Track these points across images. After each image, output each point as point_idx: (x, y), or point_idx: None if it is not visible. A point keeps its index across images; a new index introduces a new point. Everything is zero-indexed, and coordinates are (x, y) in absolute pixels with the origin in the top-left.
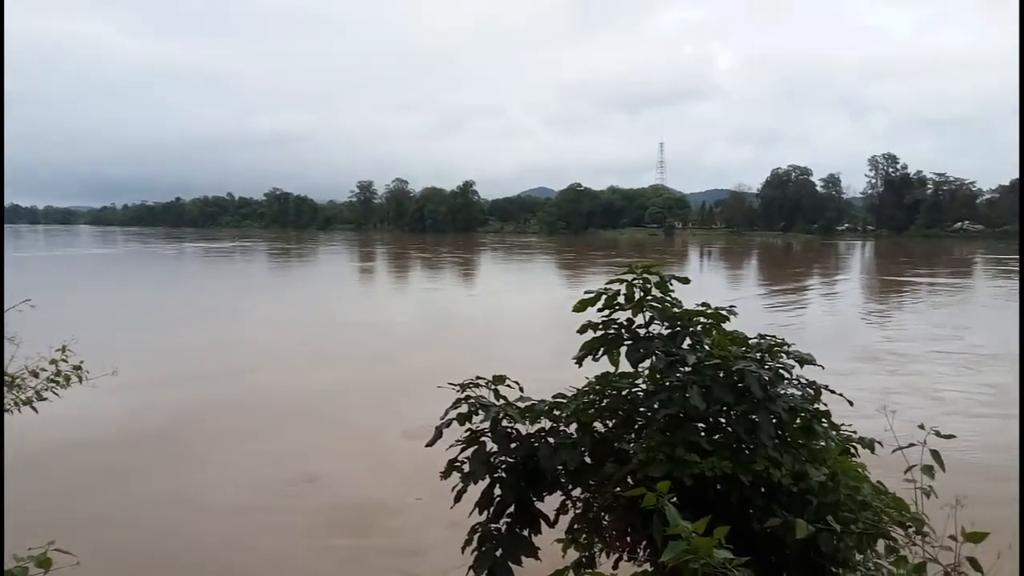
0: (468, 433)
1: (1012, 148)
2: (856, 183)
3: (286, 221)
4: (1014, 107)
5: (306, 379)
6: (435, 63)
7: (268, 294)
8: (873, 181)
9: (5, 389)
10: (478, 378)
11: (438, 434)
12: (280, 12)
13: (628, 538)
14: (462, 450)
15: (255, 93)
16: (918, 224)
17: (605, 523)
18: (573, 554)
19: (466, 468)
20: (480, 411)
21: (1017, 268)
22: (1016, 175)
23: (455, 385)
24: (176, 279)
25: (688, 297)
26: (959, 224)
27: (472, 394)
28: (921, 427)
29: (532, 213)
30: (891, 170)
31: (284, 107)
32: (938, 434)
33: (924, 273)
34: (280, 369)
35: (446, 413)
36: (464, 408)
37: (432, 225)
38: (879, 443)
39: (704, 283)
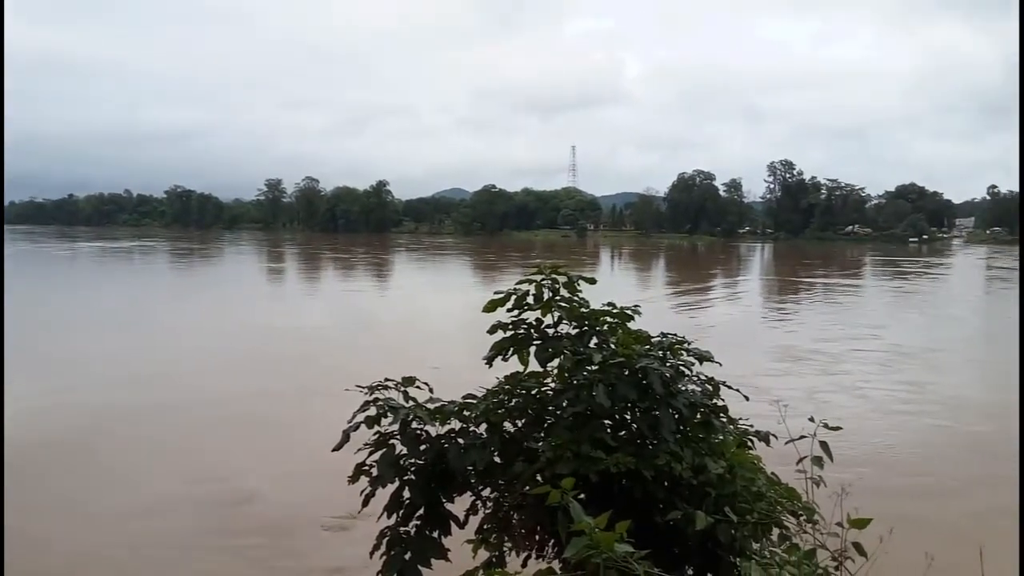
0: (377, 436)
1: (895, 157)
2: (756, 188)
3: (189, 220)
4: (897, 120)
5: (215, 385)
6: (345, 60)
7: (175, 298)
8: (772, 186)
9: None
10: (386, 380)
11: (345, 438)
12: (180, 1)
13: (537, 536)
14: (370, 453)
15: (153, 85)
16: (813, 227)
17: (515, 522)
18: (484, 554)
19: (375, 472)
20: (389, 413)
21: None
22: (898, 183)
23: (363, 388)
24: (71, 282)
25: (603, 297)
26: (850, 227)
27: (381, 396)
28: (811, 420)
29: (447, 214)
30: (788, 176)
31: (186, 101)
32: (826, 426)
33: (825, 274)
34: (190, 375)
35: (353, 416)
36: (372, 411)
37: (344, 225)
38: (774, 436)
39: (616, 284)
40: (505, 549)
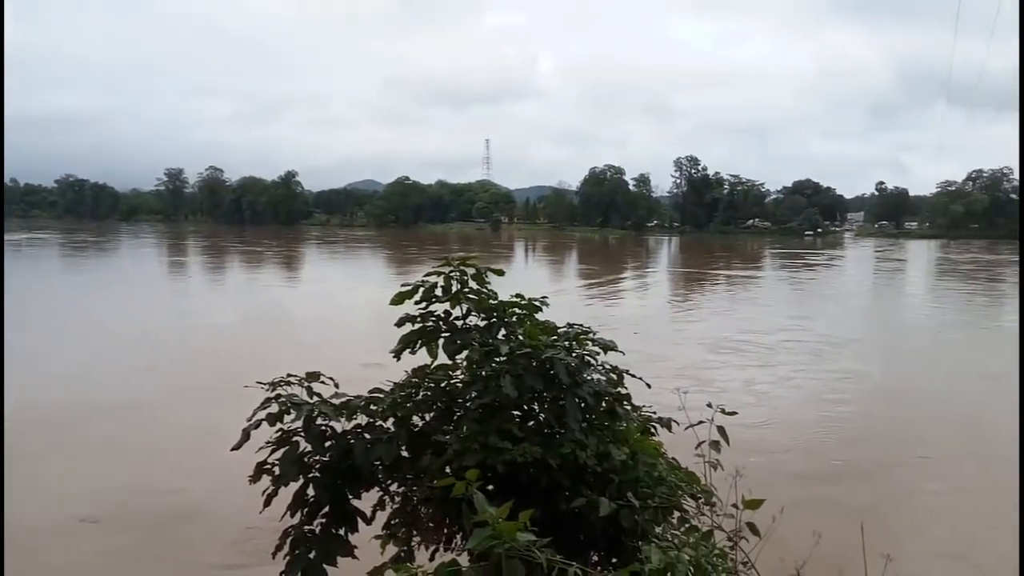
0: (279, 434)
1: (793, 154)
2: (664, 183)
3: (83, 211)
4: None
5: (124, 387)
6: (253, 47)
7: (75, 296)
8: (678, 181)
9: None
10: (289, 376)
11: (245, 436)
12: None
13: (445, 529)
14: (272, 451)
15: (40, 68)
16: (717, 221)
17: (423, 516)
18: (392, 550)
19: (277, 471)
20: (292, 410)
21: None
22: (794, 179)
23: (264, 384)
24: None
25: (521, 289)
26: (751, 221)
27: (283, 393)
28: (709, 405)
29: (359, 206)
30: (693, 171)
31: (78, 84)
32: (723, 411)
33: (737, 266)
34: (89, 377)
35: (254, 414)
36: (274, 408)
37: (251, 217)
38: (676, 422)
39: (533, 277)
40: (414, 544)
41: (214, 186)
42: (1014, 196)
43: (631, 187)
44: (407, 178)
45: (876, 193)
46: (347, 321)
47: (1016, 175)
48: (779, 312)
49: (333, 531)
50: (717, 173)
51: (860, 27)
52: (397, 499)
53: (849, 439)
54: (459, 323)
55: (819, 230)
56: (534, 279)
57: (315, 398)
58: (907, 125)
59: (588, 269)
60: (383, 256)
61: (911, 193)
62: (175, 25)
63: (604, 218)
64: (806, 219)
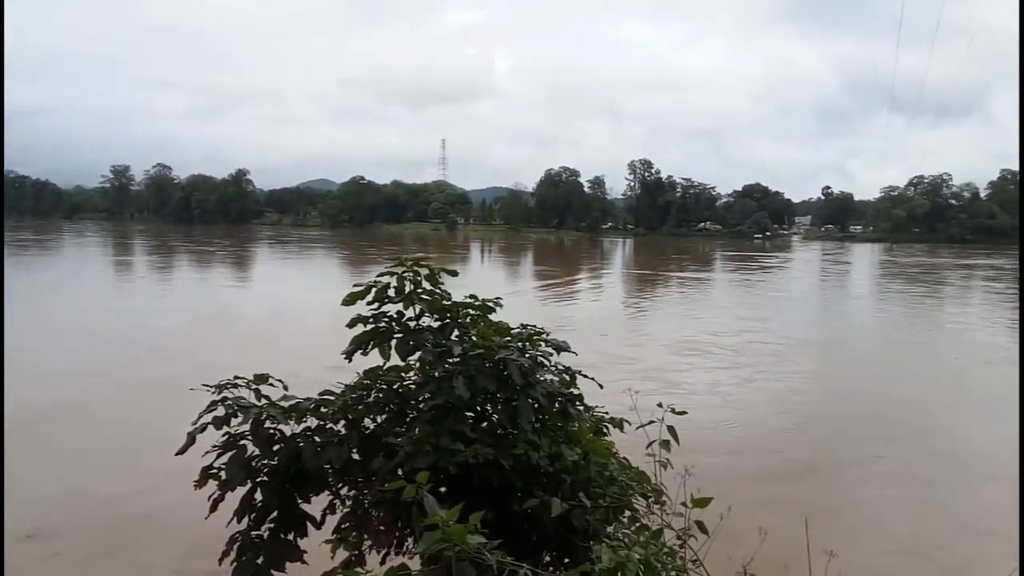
0: (226, 437)
1: (743, 159)
2: (618, 185)
3: (23, 208)
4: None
5: (62, 388)
6: (205, 42)
7: (19, 294)
8: (632, 184)
9: None
10: (236, 378)
11: (190, 440)
12: None
13: (396, 532)
14: (219, 455)
15: None
16: (670, 224)
17: (374, 519)
18: (343, 554)
19: (223, 475)
20: (239, 413)
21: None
22: (744, 183)
23: (210, 387)
24: None
25: (476, 291)
26: (702, 224)
27: (230, 395)
28: (660, 405)
29: (313, 205)
30: (647, 174)
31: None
32: (674, 411)
33: (693, 268)
34: (32, 377)
35: (199, 417)
36: (220, 411)
37: (201, 216)
38: (628, 422)
39: (487, 278)
40: (365, 547)
41: (162, 184)
42: (953, 201)
43: (586, 189)
44: (362, 178)
45: (823, 197)
46: (303, 323)
47: (954, 181)
48: (737, 314)
49: (282, 536)
50: (670, 176)
51: (809, 36)
52: (348, 502)
53: (803, 439)
54: (412, 324)
55: (768, 233)
56: (491, 280)
57: (263, 401)
58: (853, 131)
59: (545, 270)
60: (338, 256)
61: (856, 198)
62: (125, 17)
63: (560, 220)
64: (755, 222)
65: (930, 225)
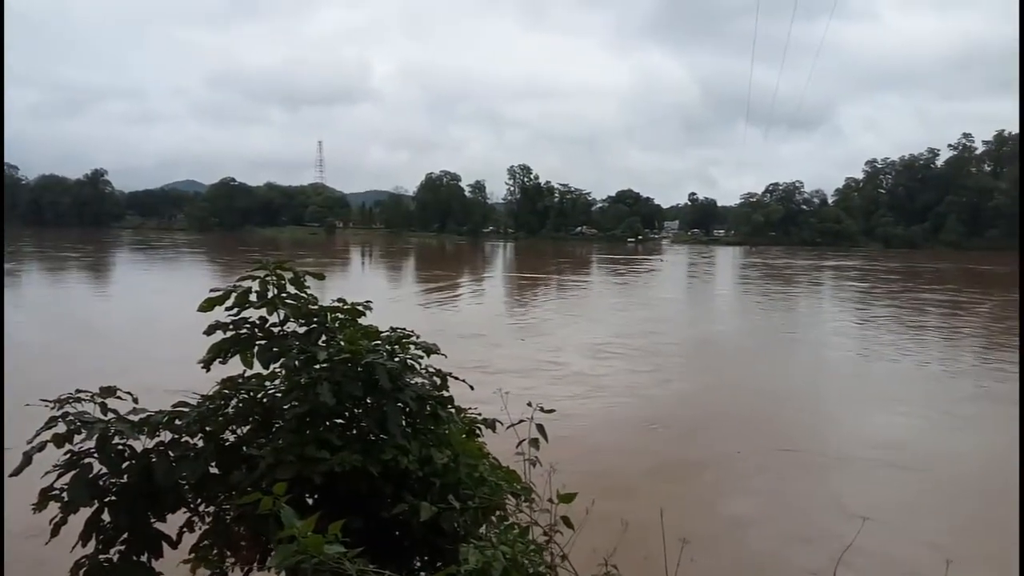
0: (69, 455)
1: (616, 165)
2: (499, 190)
3: None
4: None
5: None
6: (55, 33)
7: None
8: (512, 189)
9: None
10: (79, 391)
11: (26, 460)
12: None
13: (260, 548)
14: (60, 475)
15: None
16: (548, 227)
17: (237, 535)
18: (204, 573)
19: (66, 496)
20: (82, 429)
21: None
22: (618, 189)
23: (48, 402)
24: None
25: (359, 296)
26: (579, 228)
27: (72, 410)
28: (529, 404)
29: (179, 208)
30: (526, 180)
31: None
32: (543, 409)
33: (581, 272)
34: None
35: (37, 435)
36: (61, 427)
37: (54, 219)
38: (500, 422)
39: (369, 283)
40: (227, 565)
41: (7, 185)
42: (804, 207)
43: (467, 193)
44: (232, 179)
45: (689, 203)
46: (163, 330)
47: (806, 187)
48: (639, 315)
49: (134, 558)
50: (548, 182)
51: (674, 50)
52: (208, 519)
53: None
54: (276, 330)
55: (640, 237)
56: (372, 285)
57: (110, 415)
58: (714, 141)
59: (436, 274)
60: (201, 261)
61: (719, 203)
62: None
63: (441, 224)
64: (629, 227)
65: (785, 229)
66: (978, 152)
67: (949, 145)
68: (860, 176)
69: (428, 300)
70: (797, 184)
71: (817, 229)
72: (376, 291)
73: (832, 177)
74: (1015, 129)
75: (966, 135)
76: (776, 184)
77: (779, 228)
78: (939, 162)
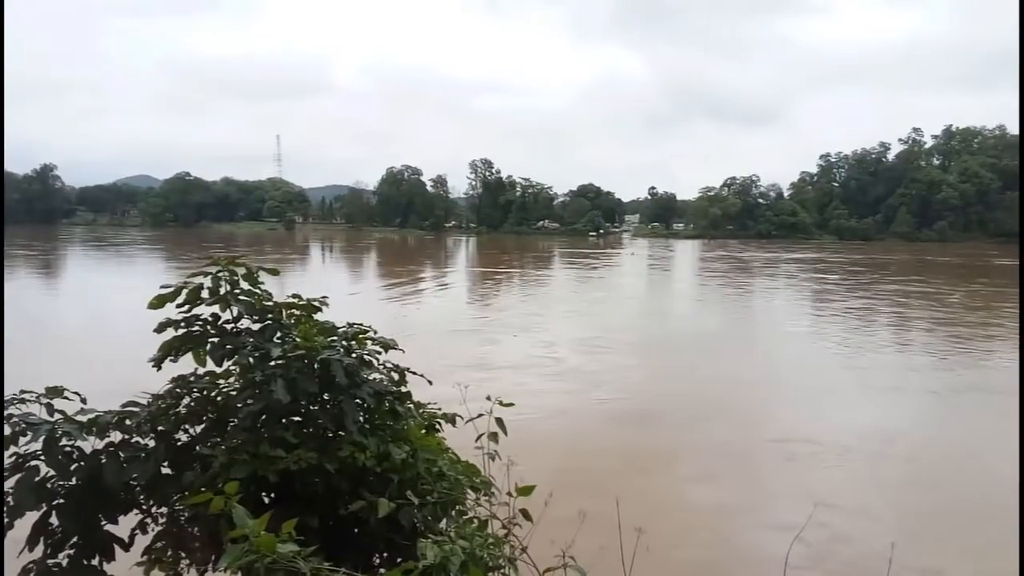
0: (14, 459)
1: (578, 160)
2: (460, 184)
3: None
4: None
5: None
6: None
7: None
8: (474, 183)
9: None
10: (23, 392)
11: None
12: None
13: (215, 549)
14: (5, 479)
15: None
16: (510, 222)
17: (192, 536)
18: (159, 574)
19: (12, 500)
20: (28, 431)
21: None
22: (579, 183)
23: None
24: None
25: (320, 293)
26: (541, 222)
27: (17, 412)
28: (488, 399)
29: (133, 204)
30: (488, 174)
31: None
32: (501, 403)
33: (555, 266)
34: None
35: None
36: (6, 429)
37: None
38: (460, 417)
39: (329, 279)
40: (182, 567)
41: None
42: (761, 200)
43: (429, 188)
44: (188, 174)
45: (649, 197)
46: (123, 332)
47: (763, 181)
48: (628, 309)
49: (85, 562)
50: (510, 176)
51: (635, 46)
52: (162, 520)
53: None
54: (230, 327)
55: (601, 231)
56: (334, 281)
57: (57, 416)
58: (674, 135)
59: (396, 269)
60: (157, 257)
61: (678, 197)
62: None
63: (403, 218)
64: (590, 221)
65: (742, 222)
66: (927, 146)
67: (900, 139)
68: (814, 170)
69: (390, 296)
70: (753, 178)
71: (773, 222)
72: (339, 288)
73: (788, 171)
74: (963, 123)
75: (916, 130)
76: (733, 178)
77: (737, 221)
78: (890, 156)
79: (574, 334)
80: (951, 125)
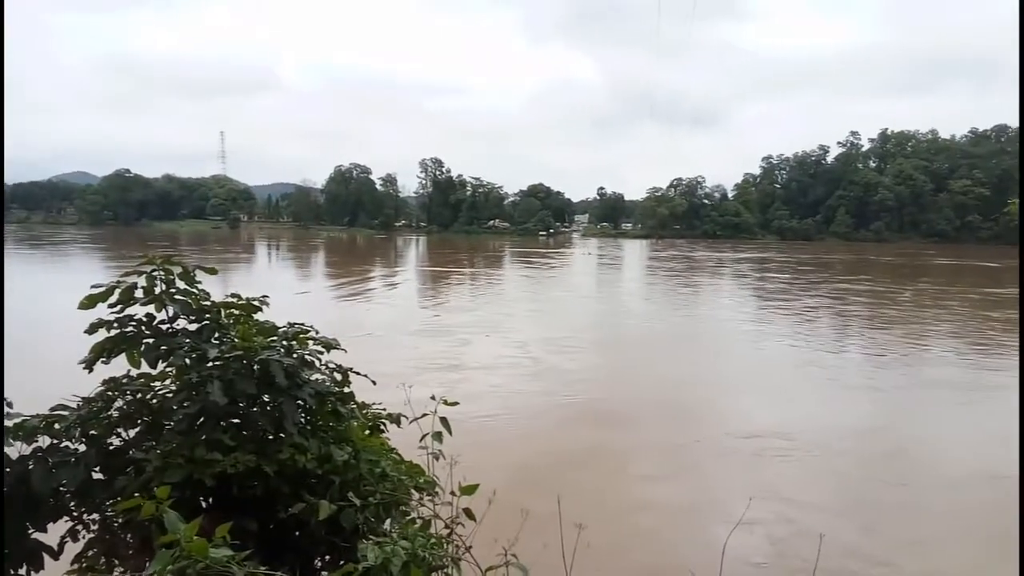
0: None
1: (528, 160)
2: (410, 183)
3: None
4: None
5: None
6: None
7: None
8: (424, 182)
9: None
10: None
11: None
12: None
13: (149, 556)
14: None
15: None
16: (461, 221)
17: (125, 542)
18: None
19: None
20: None
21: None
22: (529, 183)
23: None
24: None
25: (267, 293)
26: (492, 222)
27: None
28: (433, 398)
29: (69, 201)
30: (438, 173)
31: None
32: (446, 402)
33: (508, 266)
34: None
35: None
36: None
37: None
38: (405, 417)
39: (277, 278)
40: (117, 574)
41: None
42: (706, 201)
43: (378, 187)
44: (127, 170)
45: (598, 198)
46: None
47: (708, 182)
48: (591, 309)
49: (11, 572)
50: (460, 175)
51: (586, 50)
52: (94, 527)
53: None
54: (165, 327)
55: (551, 231)
56: (280, 280)
57: None
58: (622, 137)
59: (345, 270)
60: (100, 257)
61: (626, 198)
62: None
63: (352, 217)
64: (540, 221)
65: (688, 222)
66: (864, 149)
67: (838, 142)
68: (757, 172)
69: (340, 295)
70: (699, 179)
71: (718, 222)
72: (284, 288)
73: (732, 172)
74: (898, 127)
75: (854, 133)
76: (680, 179)
77: (683, 221)
78: (829, 158)
79: (542, 333)
80: (886, 129)
